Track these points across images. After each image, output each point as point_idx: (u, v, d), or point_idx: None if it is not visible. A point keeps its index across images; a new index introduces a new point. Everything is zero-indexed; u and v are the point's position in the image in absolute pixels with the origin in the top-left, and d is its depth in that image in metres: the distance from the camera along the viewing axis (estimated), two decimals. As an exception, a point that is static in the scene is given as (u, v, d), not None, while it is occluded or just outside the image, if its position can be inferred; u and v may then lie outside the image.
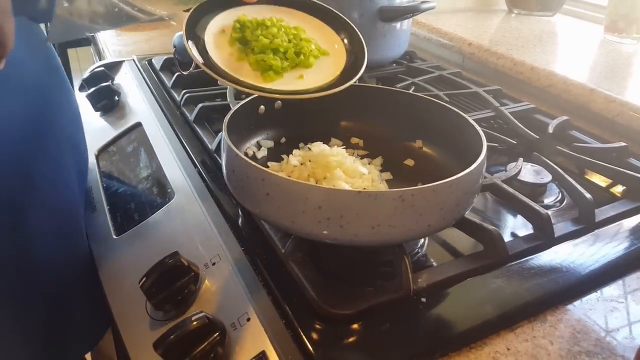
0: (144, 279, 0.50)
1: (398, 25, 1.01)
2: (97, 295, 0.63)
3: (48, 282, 0.66)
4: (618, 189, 0.71)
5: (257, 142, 0.68)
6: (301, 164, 0.62)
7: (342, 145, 0.68)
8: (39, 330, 0.65)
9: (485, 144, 0.54)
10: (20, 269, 0.63)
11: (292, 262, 0.51)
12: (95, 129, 0.91)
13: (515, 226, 0.62)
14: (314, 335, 0.44)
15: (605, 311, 0.49)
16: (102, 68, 1.02)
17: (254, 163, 0.48)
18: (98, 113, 0.94)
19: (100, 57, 1.23)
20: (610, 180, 0.72)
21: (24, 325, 0.64)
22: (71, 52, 2.70)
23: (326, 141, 0.68)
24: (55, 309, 0.67)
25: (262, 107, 0.66)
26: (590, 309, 0.49)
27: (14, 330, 0.63)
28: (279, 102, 0.68)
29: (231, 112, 0.59)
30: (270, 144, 0.68)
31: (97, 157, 0.83)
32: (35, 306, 0.65)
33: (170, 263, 0.50)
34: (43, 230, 0.65)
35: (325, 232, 0.46)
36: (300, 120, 0.69)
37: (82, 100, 0.94)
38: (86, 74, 1.00)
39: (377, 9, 0.96)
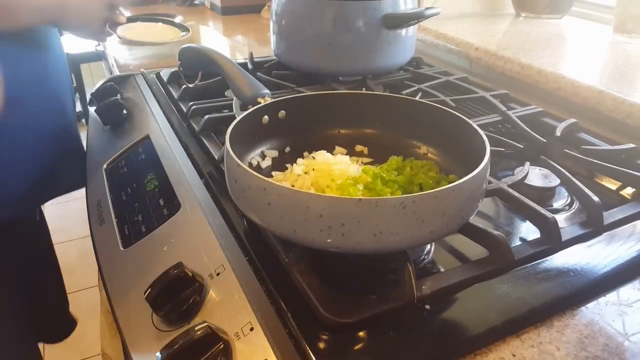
0: (149, 290, 0.50)
1: (403, 32, 1.01)
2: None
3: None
4: (628, 191, 0.69)
5: (262, 152, 0.68)
6: (305, 173, 0.62)
7: (346, 153, 0.68)
8: None
9: (488, 148, 0.53)
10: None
11: (295, 271, 0.51)
12: (105, 143, 0.92)
13: (525, 231, 0.61)
14: (318, 345, 0.44)
15: (613, 315, 0.48)
16: (110, 83, 1.03)
17: (255, 173, 0.48)
18: (107, 127, 0.95)
19: (111, 72, 1.25)
20: (620, 183, 0.71)
21: None
22: (84, 67, 2.73)
23: (331, 149, 0.68)
24: None
25: (265, 117, 0.66)
26: (598, 314, 0.49)
27: None
28: (283, 112, 0.68)
29: (234, 122, 0.59)
30: (275, 153, 0.68)
31: (106, 171, 0.84)
32: None
33: (175, 274, 0.51)
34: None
35: (327, 240, 0.46)
36: (304, 129, 0.69)
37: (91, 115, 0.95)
38: (95, 89, 1.01)
39: (382, 17, 0.96)
